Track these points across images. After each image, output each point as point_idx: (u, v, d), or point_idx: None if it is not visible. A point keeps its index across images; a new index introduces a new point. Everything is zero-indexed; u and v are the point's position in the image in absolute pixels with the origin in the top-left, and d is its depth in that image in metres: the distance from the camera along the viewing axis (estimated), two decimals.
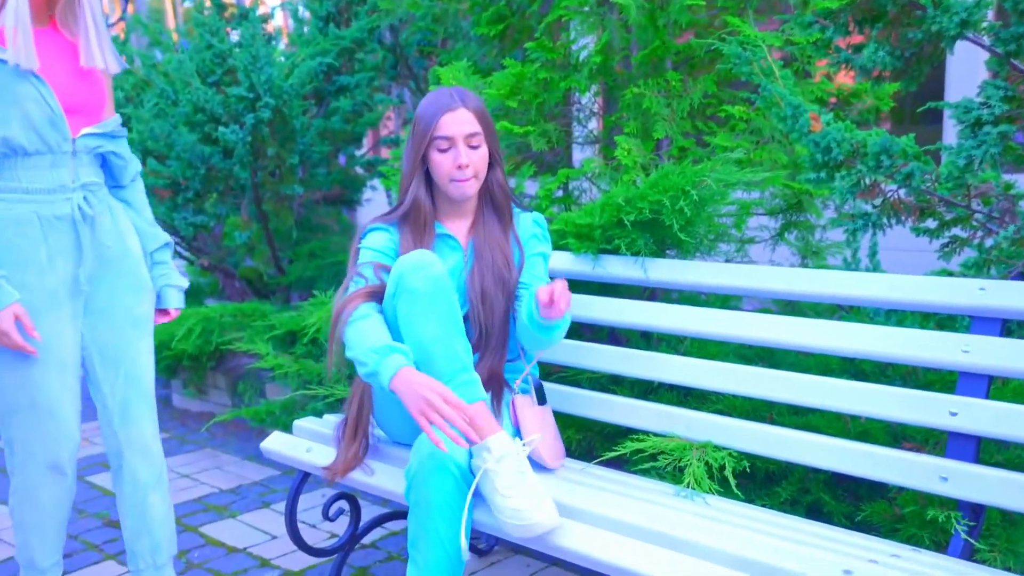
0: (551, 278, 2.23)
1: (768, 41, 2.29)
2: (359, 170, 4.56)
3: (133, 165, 2.11)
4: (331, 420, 2.37)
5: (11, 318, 1.83)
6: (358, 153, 4.58)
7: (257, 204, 3.82)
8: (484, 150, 1.99)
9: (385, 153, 5.30)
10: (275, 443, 2.30)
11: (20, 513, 2.02)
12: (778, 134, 2.58)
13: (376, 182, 4.56)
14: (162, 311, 2.19)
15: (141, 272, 2.07)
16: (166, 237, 2.17)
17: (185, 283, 2.22)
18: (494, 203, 2.06)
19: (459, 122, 1.94)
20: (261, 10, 3.98)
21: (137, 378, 2.06)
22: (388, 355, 1.75)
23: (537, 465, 2.02)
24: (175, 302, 2.18)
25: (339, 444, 2.08)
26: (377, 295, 1.91)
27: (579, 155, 3.59)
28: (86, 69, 1.94)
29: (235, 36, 3.86)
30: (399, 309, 1.84)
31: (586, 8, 2.71)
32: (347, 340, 1.85)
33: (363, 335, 1.81)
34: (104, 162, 2.03)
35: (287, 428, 3.25)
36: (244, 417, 3.36)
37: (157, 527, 2.11)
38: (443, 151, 1.96)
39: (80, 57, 1.93)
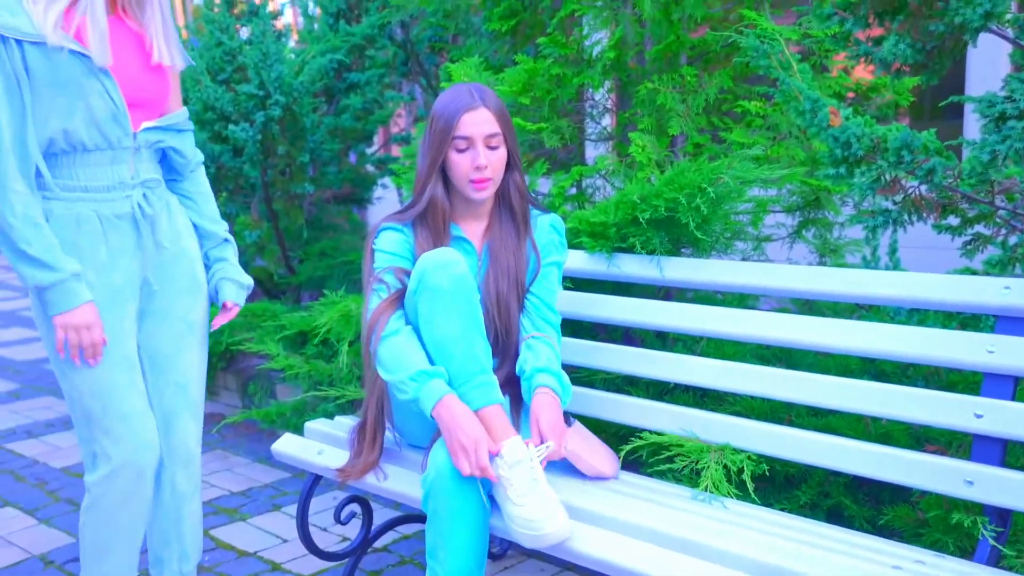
0: (564, 280, 2.19)
1: (785, 34, 2.25)
2: (370, 168, 4.54)
3: (196, 158, 2.04)
4: (343, 422, 2.34)
5: (89, 312, 1.77)
6: (369, 151, 4.55)
7: (267, 203, 3.80)
8: (503, 151, 1.93)
9: (396, 151, 5.28)
10: (286, 445, 2.27)
11: (94, 532, 1.92)
12: (795, 130, 2.53)
13: (387, 180, 4.53)
14: (223, 310, 2.07)
15: (197, 274, 2.01)
16: (226, 233, 2.09)
17: (249, 281, 2.12)
18: (511, 206, 2.01)
19: (479, 122, 1.88)
20: (271, 7, 3.96)
21: (186, 387, 2.00)
22: (427, 381, 1.77)
23: (573, 472, 1.98)
24: (232, 295, 2.06)
25: (353, 447, 2.05)
26: (402, 300, 1.90)
27: (592, 152, 3.55)
28: (151, 63, 1.87)
29: (245, 33, 3.84)
30: (420, 306, 1.81)
31: (599, 3, 2.67)
32: (381, 360, 1.84)
33: (398, 357, 1.81)
34: (163, 156, 1.97)
35: (298, 430, 3.22)
36: (254, 418, 3.34)
37: (188, 536, 2.06)
38: (461, 151, 1.90)
39: (153, 52, 1.86)
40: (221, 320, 2.07)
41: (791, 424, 2.24)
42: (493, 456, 1.72)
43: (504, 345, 1.99)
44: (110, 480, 1.86)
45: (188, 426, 2.01)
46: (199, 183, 2.06)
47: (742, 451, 1.96)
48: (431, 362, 1.86)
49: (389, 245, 1.97)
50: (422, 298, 1.81)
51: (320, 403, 3.20)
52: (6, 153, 1.72)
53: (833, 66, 2.66)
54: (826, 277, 1.95)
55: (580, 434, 2.00)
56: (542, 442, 1.79)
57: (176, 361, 1.98)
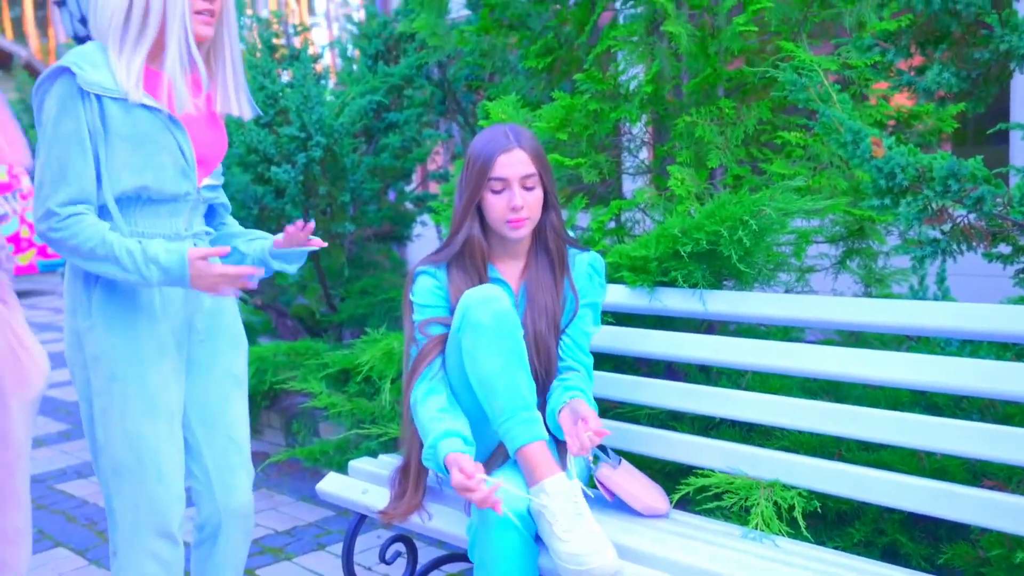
0: (605, 315, 2.18)
1: (824, 65, 2.24)
2: (409, 205, 4.58)
3: (230, 215, 2.08)
4: (387, 460, 2.34)
5: (213, 264, 1.73)
6: (407, 189, 4.60)
7: None
8: (539, 191, 1.93)
9: (434, 188, 5.32)
10: (331, 484, 2.27)
11: None
12: (837, 159, 2.51)
13: (426, 217, 4.56)
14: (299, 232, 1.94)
15: (238, 328, 2.01)
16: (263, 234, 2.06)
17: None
18: (547, 246, 2.00)
19: (514, 163, 1.89)
20: (311, 50, 4.04)
21: (238, 441, 1.98)
22: (440, 443, 1.78)
23: (623, 510, 1.96)
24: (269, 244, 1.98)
25: (395, 487, 2.05)
26: (434, 355, 1.92)
27: (630, 185, 3.55)
28: (216, 116, 1.90)
29: (285, 76, 3.92)
30: (463, 343, 1.82)
31: (635, 38, 2.69)
32: (417, 425, 1.88)
33: (424, 424, 1.84)
34: (210, 211, 2.01)
35: (341, 468, 3.23)
36: (298, 457, 3.35)
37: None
38: (497, 192, 1.90)
39: (216, 101, 1.88)
40: (316, 243, 1.97)
41: (842, 459, 2.19)
42: (534, 487, 1.70)
43: (544, 384, 1.99)
44: (137, 538, 1.81)
45: (245, 482, 2.00)
46: (235, 225, 2.08)
47: (792, 487, 1.92)
48: (473, 398, 1.86)
49: (423, 296, 1.97)
50: (465, 335, 1.81)
51: (363, 441, 3.21)
52: (87, 202, 1.72)
53: (872, 94, 2.64)
54: (872, 309, 1.91)
55: (630, 472, 1.98)
56: (592, 427, 1.75)
57: (225, 415, 1.97)
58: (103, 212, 1.78)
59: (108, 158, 1.74)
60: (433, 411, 1.85)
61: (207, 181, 1.92)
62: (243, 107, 1.93)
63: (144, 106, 1.75)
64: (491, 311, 1.80)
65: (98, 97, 1.72)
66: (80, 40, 5.69)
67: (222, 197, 2.01)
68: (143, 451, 1.80)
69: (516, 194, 1.89)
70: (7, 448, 1.53)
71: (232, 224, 2.08)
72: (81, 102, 1.71)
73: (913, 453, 2.12)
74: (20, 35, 33.73)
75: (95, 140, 1.73)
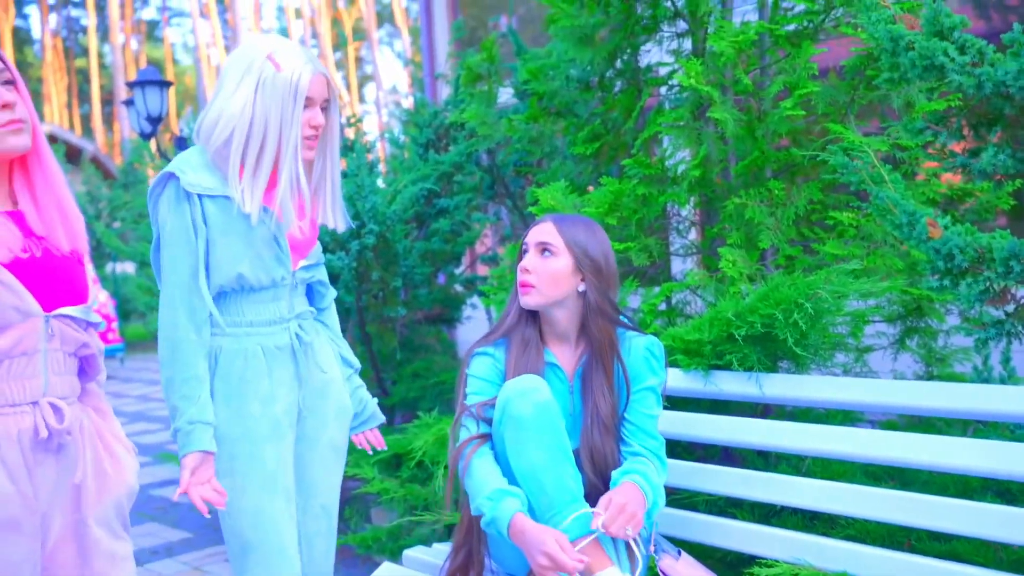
0: (664, 397, 2.15)
1: (874, 146, 2.24)
2: (459, 288, 4.63)
3: (331, 291, 2.17)
4: (441, 549, 2.32)
5: (206, 461, 1.83)
6: (457, 271, 4.66)
7: (361, 327, 3.90)
8: (557, 264, 1.91)
9: (482, 270, 5.38)
10: (386, 575, 2.25)
11: None
12: (891, 238, 2.49)
13: (476, 300, 4.61)
14: (370, 431, 2.20)
15: (344, 399, 2.09)
16: (357, 362, 2.20)
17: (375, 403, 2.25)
18: (597, 339, 1.95)
19: (537, 232, 1.95)
20: (364, 140, 4.16)
21: (330, 509, 2.07)
22: (502, 500, 1.75)
23: None
24: (379, 416, 2.21)
25: (448, 564, 2.02)
26: (486, 437, 1.91)
27: (678, 266, 3.55)
28: (317, 220, 2.02)
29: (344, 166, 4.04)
30: (505, 436, 1.81)
31: (681, 123, 2.73)
32: (468, 492, 1.86)
33: (476, 484, 1.82)
34: (308, 289, 2.10)
35: (394, 555, 3.20)
36: (351, 544, 3.33)
37: None
38: (520, 260, 1.97)
39: (319, 213, 2.00)
40: (371, 442, 2.20)
41: (911, 550, 2.11)
42: None
43: (596, 489, 1.95)
44: None
45: (329, 547, 2.06)
46: (332, 313, 2.18)
47: None
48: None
49: (479, 370, 1.99)
50: (507, 428, 1.80)
51: (416, 527, 3.18)
52: (186, 300, 1.86)
53: (921, 171, 2.63)
54: (936, 393, 1.87)
55: (692, 565, 1.92)
56: (603, 519, 1.72)
57: (322, 484, 2.05)
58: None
59: (211, 251, 1.89)
60: (490, 469, 1.83)
61: (302, 263, 2.02)
62: (338, 221, 2.05)
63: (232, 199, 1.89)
64: (531, 402, 1.79)
65: (199, 196, 1.86)
66: (145, 136, 5.96)
67: (319, 274, 2.10)
68: (265, 528, 1.89)
69: (529, 255, 1.93)
70: (94, 558, 1.49)
71: (331, 320, 2.17)
72: (187, 202, 1.85)
73: (988, 543, 2.03)
74: (88, 131, 35.44)
75: (199, 236, 1.87)
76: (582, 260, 1.93)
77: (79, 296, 1.49)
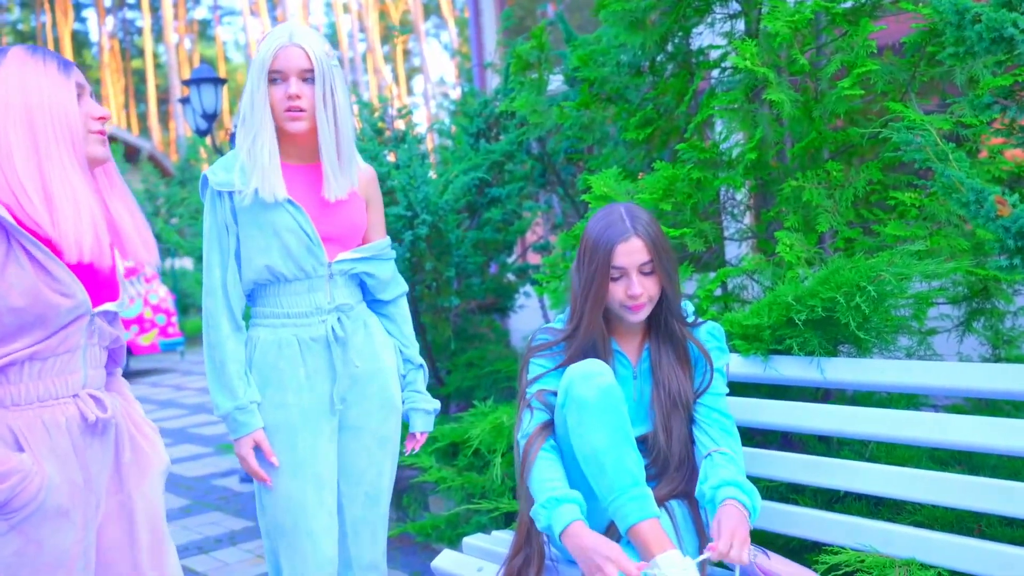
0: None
1: (936, 124, 2.18)
2: (511, 277, 4.64)
3: (395, 286, 2.19)
4: (500, 537, 2.33)
5: (250, 444, 1.97)
6: (508, 260, 4.66)
7: (416, 317, 3.93)
8: (656, 275, 1.92)
9: (533, 258, 5.38)
10: (446, 562, 2.27)
11: None
12: (954, 218, 2.42)
13: (529, 288, 4.61)
14: (411, 438, 2.22)
15: (391, 391, 2.12)
16: (419, 360, 2.22)
17: (435, 404, 2.24)
18: (667, 327, 1.99)
19: (631, 252, 1.88)
20: (415, 131, 4.18)
21: (376, 498, 2.11)
22: (556, 508, 1.77)
23: None
24: (421, 425, 2.21)
25: (504, 569, 2.03)
26: (550, 427, 1.92)
27: (732, 251, 3.50)
28: (341, 197, 2.04)
29: (390, 157, 4.06)
30: (568, 419, 1.82)
31: (735, 105, 2.69)
32: (531, 492, 1.87)
33: (536, 488, 1.83)
34: (361, 281, 2.14)
35: (453, 543, 3.23)
36: (410, 532, 3.37)
37: None
38: (615, 280, 1.91)
39: (323, 188, 2.02)
40: (411, 446, 2.21)
41: (982, 535, 2.06)
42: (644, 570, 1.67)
43: (664, 465, 1.96)
44: None
45: (375, 535, 2.11)
46: (400, 308, 2.21)
47: (931, 567, 1.81)
48: (582, 476, 1.85)
49: (538, 373, 2.00)
50: (570, 411, 1.81)
51: (473, 515, 3.20)
52: (220, 298, 1.97)
53: (984, 148, 2.55)
54: (1003, 375, 1.82)
55: (785, 562, 1.90)
56: (719, 550, 1.70)
57: (367, 473, 2.09)
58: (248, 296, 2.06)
59: (241, 245, 1.99)
60: (552, 473, 1.84)
61: (345, 255, 2.05)
62: (337, 191, 2.01)
63: (255, 191, 1.96)
64: (594, 386, 1.79)
65: (229, 194, 1.97)
66: (201, 133, 6.08)
67: (366, 267, 2.09)
68: (294, 513, 1.97)
69: (635, 282, 1.89)
70: (140, 531, 1.59)
71: (397, 312, 2.20)
72: (219, 200, 1.98)
73: None
74: (144, 130, 36.25)
75: (230, 232, 1.99)
76: (665, 265, 1.93)
77: (115, 293, 1.58)
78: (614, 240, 1.88)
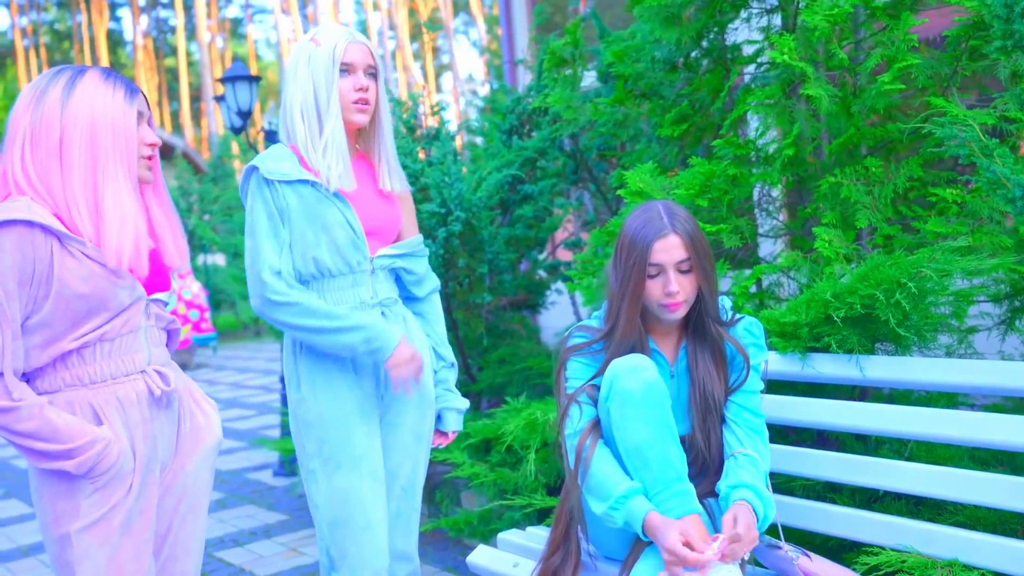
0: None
1: (980, 119, 2.15)
2: (542, 274, 4.63)
3: (429, 281, 2.21)
4: (535, 533, 2.33)
5: (404, 350, 1.97)
6: (540, 257, 4.66)
7: (448, 313, 3.94)
8: (694, 273, 1.89)
9: (564, 255, 5.37)
10: (481, 557, 2.28)
11: None
12: (996, 215, 2.38)
13: (560, 285, 4.60)
14: (440, 433, 2.23)
15: (428, 387, 2.15)
16: (452, 358, 2.24)
17: (465, 404, 2.25)
18: (704, 327, 1.96)
19: (669, 248, 1.86)
20: (448, 127, 4.19)
21: (412, 491, 2.14)
22: (626, 504, 1.78)
23: None
24: (453, 424, 2.22)
25: (540, 567, 2.03)
26: (597, 426, 1.92)
27: (766, 249, 3.47)
28: (385, 192, 2.10)
29: (421, 155, 4.08)
30: (612, 412, 1.82)
31: (771, 101, 2.66)
32: (588, 491, 1.87)
33: (598, 488, 1.83)
34: (397, 276, 2.16)
35: (485, 539, 3.23)
36: (442, 527, 3.38)
37: None
38: (652, 277, 1.89)
39: (379, 180, 2.09)
40: (441, 442, 2.22)
41: None
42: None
43: (703, 465, 1.96)
44: None
45: (410, 527, 2.13)
46: (433, 305, 2.24)
47: (974, 568, 1.79)
48: (625, 469, 1.84)
49: (577, 374, 1.99)
50: (613, 404, 1.81)
51: (506, 511, 3.21)
52: (272, 277, 1.95)
53: (1023, 145, 2.51)
54: None
55: (827, 563, 1.89)
56: (729, 538, 1.71)
57: (403, 467, 2.12)
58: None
59: (291, 235, 1.99)
60: (610, 468, 1.84)
61: (385, 251, 2.08)
62: (395, 183, 2.11)
63: (310, 184, 1.98)
64: (640, 380, 1.79)
65: (279, 183, 1.97)
66: (236, 131, 6.13)
67: (406, 263, 2.13)
68: (352, 506, 1.98)
69: (672, 279, 1.86)
70: (181, 500, 1.75)
71: (430, 309, 2.22)
72: (268, 190, 1.97)
73: None
74: (177, 127, 36.68)
75: (284, 219, 1.98)
76: (703, 264, 1.91)
77: (167, 285, 1.79)
78: (652, 237, 1.86)
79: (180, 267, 1.81)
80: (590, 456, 1.85)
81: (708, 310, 1.95)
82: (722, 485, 1.87)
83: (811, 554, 1.87)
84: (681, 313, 1.91)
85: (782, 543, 1.90)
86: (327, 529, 2.01)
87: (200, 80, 35.54)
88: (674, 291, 1.86)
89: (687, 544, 1.70)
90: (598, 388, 1.93)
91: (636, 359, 1.83)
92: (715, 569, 1.68)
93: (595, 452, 1.85)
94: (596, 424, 1.91)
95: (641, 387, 1.78)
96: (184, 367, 11.96)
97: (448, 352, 2.23)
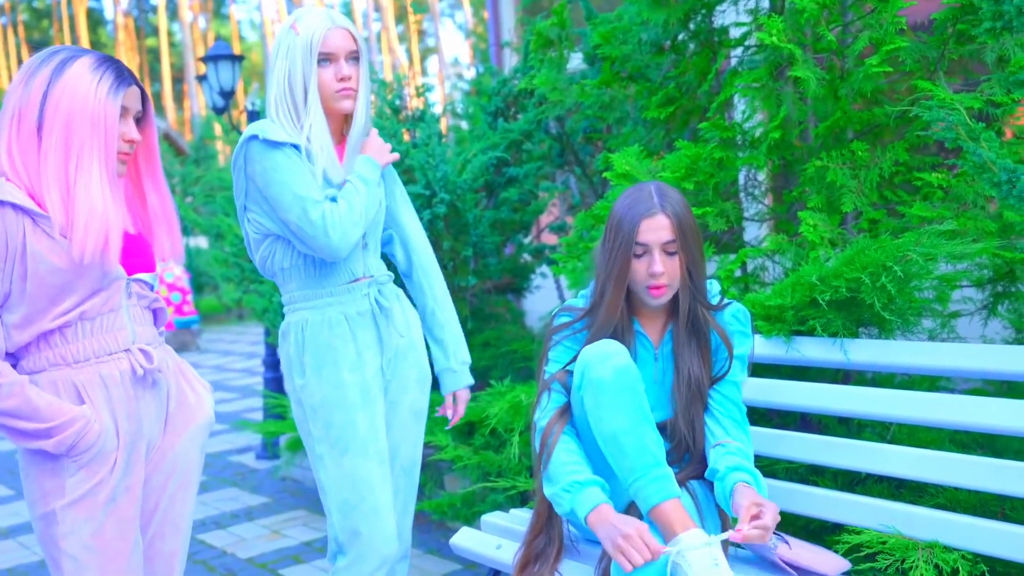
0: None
1: (966, 103, 2.15)
2: (527, 257, 4.62)
3: (418, 254, 2.23)
4: (519, 515, 2.33)
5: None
6: (525, 241, 4.64)
7: None
8: (683, 259, 1.87)
9: (549, 238, 5.35)
10: (464, 539, 2.28)
11: None
12: (981, 200, 2.39)
13: (545, 269, 4.59)
14: (454, 403, 2.22)
15: (424, 364, 2.15)
16: (464, 357, 2.23)
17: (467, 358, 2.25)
18: (691, 312, 1.93)
19: (655, 228, 1.83)
20: (433, 109, 4.16)
21: (411, 470, 2.14)
22: (580, 492, 1.76)
23: None
24: (451, 386, 2.20)
25: (525, 546, 2.02)
26: (569, 410, 1.91)
27: (750, 233, 3.47)
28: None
29: (406, 136, 4.04)
30: (585, 401, 1.80)
31: (758, 84, 2.65)
32: (545, 479, 1.86)
33: (556, 472, 1.82)
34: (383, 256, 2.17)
35: (468, 521, 3.23)
36: (425, 510, 3.37)
37: None
38: (639, 256, 1.87)
39: (343, 163, 2.06)
40: (458, 412, 2.21)
41: (1005, 518, 2.05)
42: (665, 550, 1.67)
43: (683, 453, 1.95)
44: (356, 565, 1.97)
45: (408, 505, 2.14)
46: (425, 269, 2.23)
47: (954, 549, 1.80)
48: (601, 458, 1.84)
49: (560, 356, 1.98)
50: (587, 393, 1.79)
51: (489, 494, 3.21)
52: (315, 207, 1.91)
53: (1008, 129, 2.51)
54: None
55: (807, 547, 1.89)
56: (750, 521, 1.68)
57: (403, 446, 2.12)
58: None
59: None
60: (571, 457, 1.83)
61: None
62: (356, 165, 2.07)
63: (300, 150, 1.95)
64: (610, 366, 1.77)
65: (285, 145, 1.93)
66: (218, 111, 6.07)
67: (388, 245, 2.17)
68: (362, 490, 1.97)
69: (656, 260, 1.84)
70: (170, 478, 1.75)
71: (420, 278, 2.22)
72: (279, 149, 1.92)
73: None
74: (159, 108, 36.30)
75: (304, 163, 1.95)
76: (691, 247, 1.89)
77: (151, 266, 1.77)
78: (640, 216, 1.85)
79: (171, 259, 1.81)
80: (554, 443, 1.85)
81: (696, 294, 1.93)
82: (718, 466, 1.85)
83: (790, 540, 1.88)
84: (665, 298, 1.89)
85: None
86: (336, 513, 1.99)
87: (182, 61, 35.16)
88: (657, 272, 1.84)
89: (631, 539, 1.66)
90: (571, 375, 1.92)
91: (606, 345, 1.81)
92: (697, 551, 1.67)
93: (559, 439, 1.85)
94: (564, 410, 1.90)
95: (612, 374, 1.76)
96: (185, 348, 11.90)
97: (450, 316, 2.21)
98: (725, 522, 1.91)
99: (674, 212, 1.86)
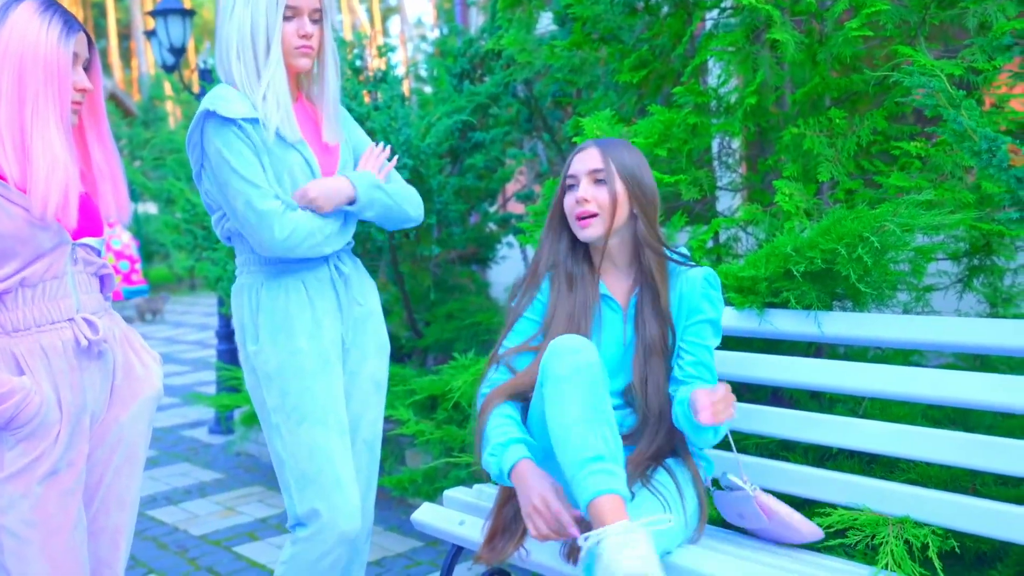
0: None
1: (947, 70, 2.09)
2: (492, 227, 4.52)
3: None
4: (483, 490, 2.26)
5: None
6: (491, 209, 4.54)
7: (394, 266, 3.81)
8: (616, 190, 1.86)
9: (516, 208, 5.26)
10: (426, 515, 2.20)
11: None
12: (958, 170, 2.34)
13: (511, 239, 4.49)
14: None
15: (383, 333, 2.08)
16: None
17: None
18: (646, 265, 1.90)
19: (584, 160, 1.88)
20: (396, 71, 4.01)
21: (373, 444, 2.06)
22: (504, 452, 1.73)
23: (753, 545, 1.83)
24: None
25: (490, 519, 1.94)
26: (516, 390, 1.85)
27: (723, 203, 3.41)
28: (328, 144, 2.00)
29: (367, 98, 3.90)
30: (545, 394, 1.74)
31: (734, 48, 2.57)
32: (483, 450, 1.82)
33: (487, 439, 1.80)
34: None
35: (430, 497, 3.15)
36: (385, 486, 3.28)
37: None
38: (570, 188, 1.91)
39: (323, 132, 1.99)
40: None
41: (976, 494, 2.02)
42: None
43: (646, 422, 1.88)
44: (316, 540, 1.87)
45: (371, 481, 2.05)
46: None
47: (925, 524, 1.77)
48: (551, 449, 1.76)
49: (522, 308, 1.94)
50: (546, 387, 1.74)
51: (452, 469, 3.13)
52: (286, 214, 1.85)
53: (989, 97, 2.47)
54: (1006, 330, 1.76)
55: (779, 502, 1.86)
56: (711, 405, 1.64)
57: (364, 419, 2.03)
58: None
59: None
60: (501, 422, 1.79)
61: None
62: (329, 136, 2.01)
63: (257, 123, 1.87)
64: (569, 363, 1.70)
65: (242, 121, 1.84)
66: (168, 69, 5.84)
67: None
68: (320, 461, 1.88)
69: (581, 187, 1.86)
70: (115, 451, 1.68)
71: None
72: (235, 128, 1.84)
73: None
74: (105, 67, 35.18)
75: (257, 153, 1.86)
76: (633, 186, 1.88)
77: (98, 230, 1.68)
78: (574, 153, 1.90)
79: (119, 220, 1.73)
80: (485, 418, 1.81)
81: (647, 240, 1.89)
82: (681, 395, 1.81)
83: (769, 497, 1.87)
84: (593, 231, 1.87)
85: (742, 481, 1.88)
86: (294, 486, 1.88)
87: (129, 16, 34.07)
88: (582, 198, 1.85)
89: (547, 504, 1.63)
90: (525, 353, 1.89)
91: (569, 340, 1.73)
92: (616, 536, 1.57)
93: (494, 408, 1.81)
94: (508, 385, 1.85)
95: (569, 370, 1.69)
96: (154, 314, 11.60)
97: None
98: (704, 505, 1.85)
99: (607, 147, 1.88)
